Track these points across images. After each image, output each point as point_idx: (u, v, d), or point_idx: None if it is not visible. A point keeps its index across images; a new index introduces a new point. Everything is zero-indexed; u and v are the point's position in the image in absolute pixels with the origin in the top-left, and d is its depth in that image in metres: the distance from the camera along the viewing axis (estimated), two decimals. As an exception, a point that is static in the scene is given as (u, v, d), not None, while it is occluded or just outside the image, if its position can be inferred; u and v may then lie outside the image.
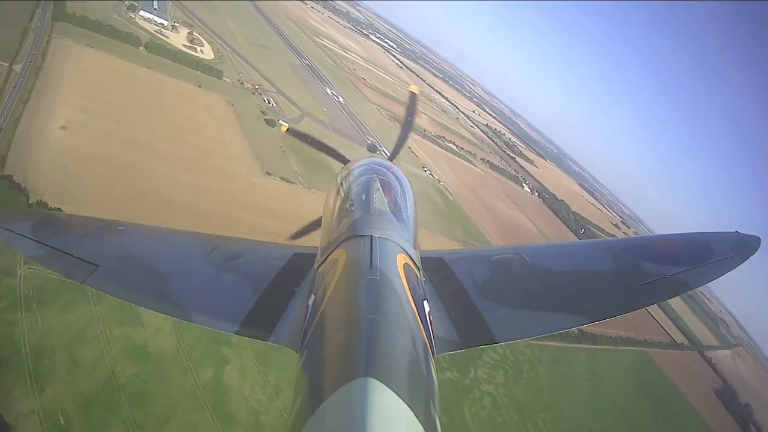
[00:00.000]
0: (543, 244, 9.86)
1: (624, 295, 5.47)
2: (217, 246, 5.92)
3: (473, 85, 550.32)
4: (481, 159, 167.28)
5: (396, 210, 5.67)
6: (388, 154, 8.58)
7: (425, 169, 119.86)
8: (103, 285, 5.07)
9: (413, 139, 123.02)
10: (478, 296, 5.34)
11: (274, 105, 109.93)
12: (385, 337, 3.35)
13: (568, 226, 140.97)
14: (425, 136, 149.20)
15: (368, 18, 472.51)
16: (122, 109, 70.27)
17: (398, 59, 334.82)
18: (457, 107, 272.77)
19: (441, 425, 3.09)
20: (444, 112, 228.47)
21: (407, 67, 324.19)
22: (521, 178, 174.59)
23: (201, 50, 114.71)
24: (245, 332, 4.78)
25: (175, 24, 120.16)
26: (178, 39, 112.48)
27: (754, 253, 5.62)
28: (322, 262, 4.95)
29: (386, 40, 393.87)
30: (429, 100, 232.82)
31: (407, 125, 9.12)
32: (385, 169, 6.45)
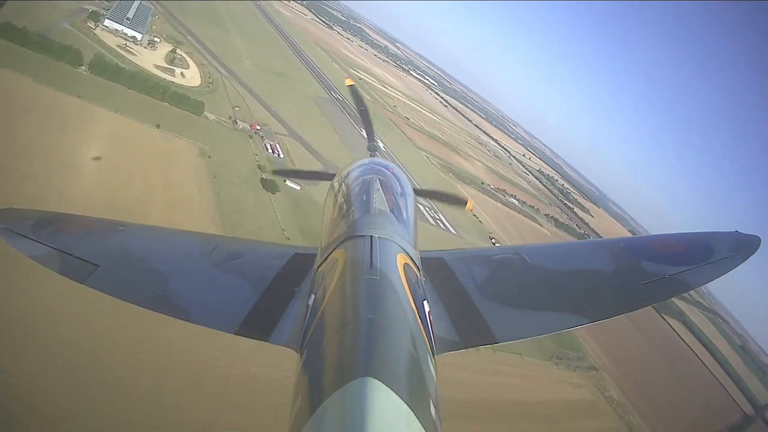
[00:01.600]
0: (543, 244, 10.48)
1: (624, 295, 5.45)
2: (217, 246, 5.88)
3: (514, 125, 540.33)
4: (545, 215, 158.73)
5: (396, 210, 5.57)
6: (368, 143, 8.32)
7: (493, 239, 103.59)
8: (103, 285, 4.98)
9: (474, 198, 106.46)
10: (478, 296, 5.25)
11: (281, 155, 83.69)
12: (385, 337, 3.34)
13: None
14: (484, 191, 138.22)
15: (407, 54, 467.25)
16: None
17: (442, 97, 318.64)
18: (507, 151, 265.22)
19: (441, 425, 3.07)
20: (497, 157, 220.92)
21: (452, 106, 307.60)
22: (585, 235, 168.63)
23: (182, 73, 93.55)
24: (245, 332, 4.66)
25: (155, 39, 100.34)
26: (150, 57, 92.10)
27: (754, 252, 5.56)
28: (322, 262, 4.86)
29: (426, 77, 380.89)
30: (480, 144, 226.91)
31: (364, 115, 9.12)
32: (385, 169, 6.32)
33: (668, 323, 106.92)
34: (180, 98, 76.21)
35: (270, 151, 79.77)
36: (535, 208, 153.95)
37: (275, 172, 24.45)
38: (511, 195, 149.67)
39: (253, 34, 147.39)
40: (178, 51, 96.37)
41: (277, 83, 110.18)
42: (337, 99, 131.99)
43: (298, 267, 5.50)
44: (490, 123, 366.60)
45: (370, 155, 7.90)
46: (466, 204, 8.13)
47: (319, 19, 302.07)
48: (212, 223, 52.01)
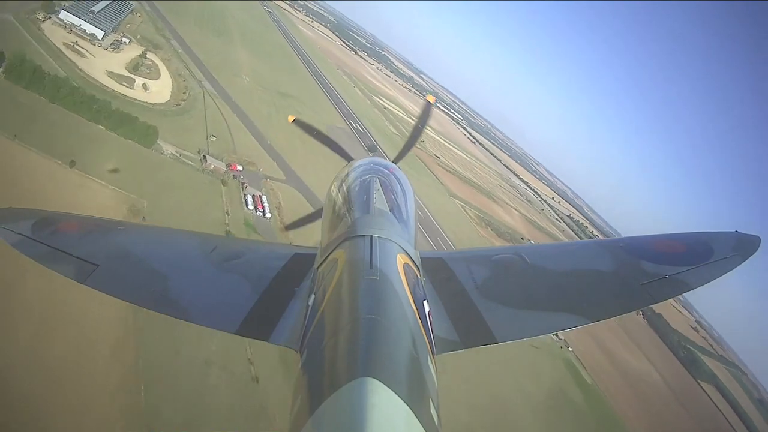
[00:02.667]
0: (543, 244, 15.78)
1: (624, 295, 5.41)
2: (217, 246, 5.88)
3: (537, 164, 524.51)
4: None
5: (396, 210, 5.65)
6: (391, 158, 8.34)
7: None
8: (103, 285, 4.99)
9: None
10: (478, 296, 5.26)
11: (267, 214, 57.66)
12: (385, 337, 3.35)
13: (682, 364, 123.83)
14: (515, 242, 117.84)
15: (432, 86, 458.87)
16: None
17: (469, 133, 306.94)
18: (538, 194, 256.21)
19: (441, 425, 3.09)
20: (529, 202, 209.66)
21: (479, 143, 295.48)
22: None
23: (144, 85, 71.37)
24: (245, 332, 4.67)
25: (123, 40, 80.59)
26: (106, 62, 71.13)
27: (754, 253, 5.57)
28: (322, 262, 4.90)
29: (452, 110, 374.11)
30: (511, 187, 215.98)
31: (416, 133, 9.17)
32: (385, 169, 6.40)
33: (703, 388, 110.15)
34: (123, 120, 55.33)
35: (252, 207, 56.39)
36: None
37: (296, 122, 10.85)
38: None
39: (262, 48, 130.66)
40: (148, 56, 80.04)
41: (280, 106, 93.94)
42: (357, 130, 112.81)
43: (298, 267, 5.48)
44: (516, 161, 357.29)
45: (370, 155, 8.05)
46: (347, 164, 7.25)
47: (343, 42, 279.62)
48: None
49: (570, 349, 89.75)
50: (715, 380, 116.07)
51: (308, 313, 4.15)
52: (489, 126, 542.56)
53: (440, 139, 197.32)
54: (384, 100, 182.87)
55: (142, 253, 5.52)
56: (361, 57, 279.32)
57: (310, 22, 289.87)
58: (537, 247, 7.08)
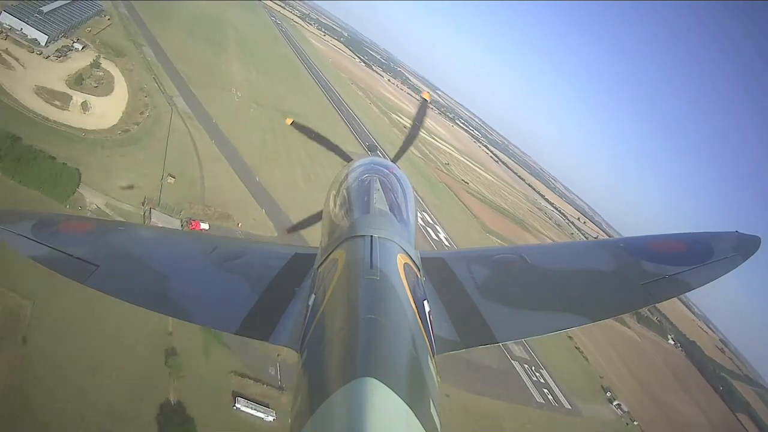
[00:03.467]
0: (543, 244, 14.55)
1: (624, 295, 5.54)
2: (217, 246, 5.99)
3: (554, 180, 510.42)
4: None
5: (396, 210, 5.72)
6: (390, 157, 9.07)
7: (610, 396, 79.53)
8: (104, 285, 5.07)
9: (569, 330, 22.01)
10: (478, 296, 5.31)
11: None
12: (385, 337, 3.38)
13: (721, 398, 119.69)
14: None
15: (447, 101, 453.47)
16: None
17: (490, 151, 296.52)
18: (564, 216, 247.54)
19: (441, 425, 3.16)
20: (558, 226, 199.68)
21: (502, 162, 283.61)
22: (658, 321, 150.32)
23: (84, 105, 56.92)
24: (245, 332, 4.80)
25: (75, 46, 69.81)
26: (40, 73, 58.03)
27: (754, 253, 5.65)
28: (322, 262, 5.03)
29: (470, 127, 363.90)
30: (539, 210, 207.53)
31: (414, 131, 9.46)
32: (385, 169, 6.53)
33: (740, 421, 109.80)
34: (24, 160, 38.36)
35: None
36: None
37: (294, 124, 10.17)
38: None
39: (263, 60, 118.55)
40: (103, 66, 68.64)
41: (279, 130, 78.22)
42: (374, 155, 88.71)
43: (298, 267, 5.57)
44: (536, 178, 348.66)
45: (370, 155, 8.52)
46: (347, 163, 7.44)
47: (357, 56, 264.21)
48: None
49: (635, 422, 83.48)
50: (749, 409, 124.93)
51: (308, 313, 4.20)
52: (506, 142, 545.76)
53: (465, 160, 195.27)
54: (403, 117, 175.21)
55: (142, 253, 5.61)
56: (375, 71, 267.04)
57: (321, 36, 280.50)
58: (537, 247, 7.21)
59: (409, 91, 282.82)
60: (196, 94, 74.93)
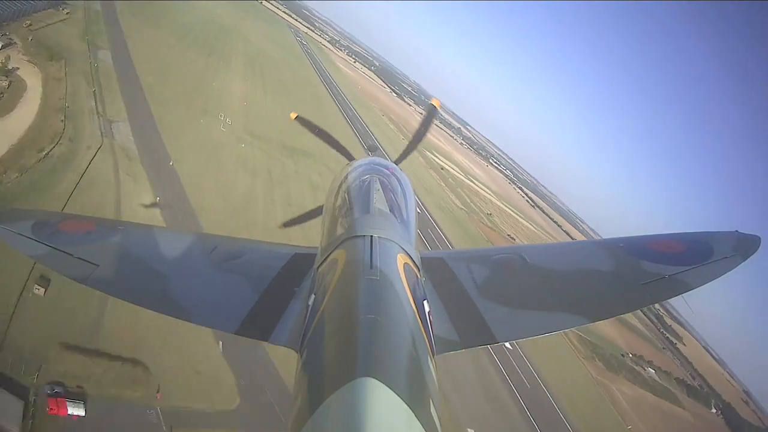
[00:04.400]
0: (543, 244, 19.63)
1: (624, 295, 5.56)
2: (217, 246, 6.07)
3: (582, 222, 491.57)
4: (675, 379, 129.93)
5: (396, 210, 5.83)
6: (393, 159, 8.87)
7: None
8: (103, 285, 5.14)
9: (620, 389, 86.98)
10: (478, 296, 5.42)
11: None
12: (385, 337, 3.40)
13: None
14: (622, 365, 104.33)
15: (477, 137, 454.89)
16: None
17: (526, 194, 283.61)
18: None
19: (441, 425, 3.19)
20: None
21: (537, 206, 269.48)
22: (704, 392, 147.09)
23: None
24: (245, 332, 4.87)
25: None
26: None
27: (754, 252, 5.72)
28: (322, 262, 5.08)
29: (502, 166, 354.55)
30: None
31: (419, 136, 9.45)
32: (385, 169, 6.66)
33: None
34: None
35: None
36: (668, 372, 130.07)
37: (298, 119, 10.67)
38: (648, 362, 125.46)
39: (275, 80, 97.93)
40: (18, 72, 48.83)
41: (279, 182, 38.95)
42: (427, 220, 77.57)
43: (298, 267, 5.70)
44: (568, 222, 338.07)
45: (370, 155, 8.49)
46: (347, 164, 7.67)
47: (389, 86, 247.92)
48: None
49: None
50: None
51: (308, 313, 4.24)
52: (535, 181, 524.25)
53: (505, 207, 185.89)
54: (439, 157, 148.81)
55: (142, 253, 5.66)
56: (407, 103, 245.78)
57: (352, 62, 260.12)
58: (537, 247, 7.18)
59: (443, 126, 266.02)
60: (156, 119, 51.97)
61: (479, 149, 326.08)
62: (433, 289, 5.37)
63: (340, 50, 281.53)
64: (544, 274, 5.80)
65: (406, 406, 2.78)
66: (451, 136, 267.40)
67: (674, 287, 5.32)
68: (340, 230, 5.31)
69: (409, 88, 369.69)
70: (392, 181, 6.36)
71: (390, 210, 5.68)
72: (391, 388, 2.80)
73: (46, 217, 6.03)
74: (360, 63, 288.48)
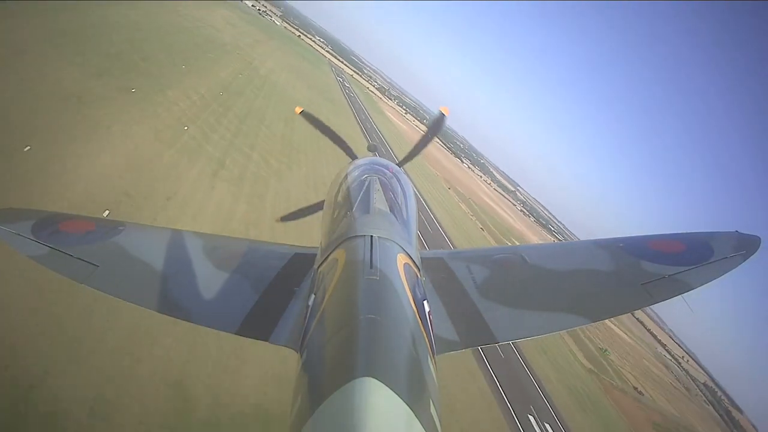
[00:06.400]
0: (542, 243, 9.57)
1: (624, 295, 5.48)
2: (217, 246, 6.16)
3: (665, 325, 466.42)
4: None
5: (396, 210, 5.81)
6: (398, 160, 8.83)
7: None
8: (103, 285, 5.10)
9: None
10: (478, 296, 5.43)
11: None
12: (385, 337, 3.36)
13: None
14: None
15: (531, 201, 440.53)
16: None
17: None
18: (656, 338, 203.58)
19: (441, 425, 3.18)
20: (687, 391, 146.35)
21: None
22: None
23: None
24: (245, 332, 4.84)
25: None
26: None
27: (754, 253, 5.64)
28: (322, 262, 5.06)
29: (553, 231, 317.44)
30: (664, 367, 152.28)
31: (425, 141, 9.30)
32: (385, 169, 6.68)
33: None
34: None
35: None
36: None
37: (303, 113, 10.02)
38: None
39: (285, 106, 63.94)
40: None
41: None
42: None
43: (298, 267, 5.70)
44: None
45: (370, 155, 8.41)
46: (346, 164, 7.67)
47: (445, 145, 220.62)
48: None
49: None
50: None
51: (308, 313, 4.22)
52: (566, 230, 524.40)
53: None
54: (515, 241, 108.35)
55: (142, 253, 5.67)
56: (466, 165, 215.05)
57: (402, 113, 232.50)
58: (537, 246, 6.49)
59: (498, 189, 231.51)
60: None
61: (540, 218, 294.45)
62: (433, 289, 5.41)
63: (390, 99, 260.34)
64: (544, 274, 5.80)
65: (406, 406, 2.74)
66: (512, 204, 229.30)
67: (674, 287, 5.29)
68: (340, 230, 5.20)
69: (461, 144, 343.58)
70: (392, 182, 6.39)
71: (390, 210, 5.68)
72: (391, 388, 2.76)
73: (46, 217, 5.97)
74: (411, 114, 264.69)
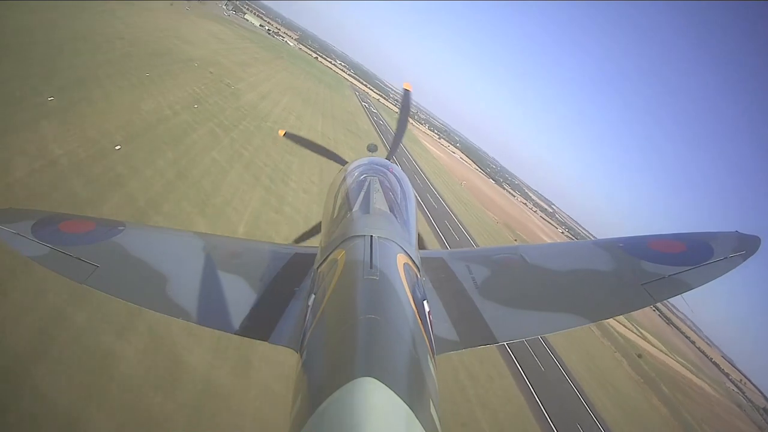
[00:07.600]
0: (542, 243, 10.03)
1: (624, 295, 5.47)
2: (217, 246, 6.09)
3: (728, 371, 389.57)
4: None
5: (396, 210, 5.84)
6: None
7: None
8: (103, 285, 5.11)
9: None
10: (478, 296, 5.41)
11: None
12: (385, 337, 3.37)
13: None
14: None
15: (566, 219, 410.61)
16: None
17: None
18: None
19: (441, 425, 3.17)
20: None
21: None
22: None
23: None
24: (245, 332, 4.86)
25: None
26: None
27: (754, 253, 5.65)
28: (322, 262, 5.06)
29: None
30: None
31: (402, 124, 9.46)
32: (384, 169, 6.75)
33: None
34: None
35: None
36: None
37: (286, 135, 10.82)
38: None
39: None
40: None
41: None
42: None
43: (298, 267, 5.66)
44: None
45: (370, 155, 8.37)
46: (345, 164, 7.82)
47: (481, 169, 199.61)
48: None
49: None
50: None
51: (308, 313, 4.23)
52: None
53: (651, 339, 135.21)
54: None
55: (142, 253, 5.66)
56: (507, 190, 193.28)
57: (436, 138, 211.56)
58: (537, 246, 6.41)
59: (551, 222, 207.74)
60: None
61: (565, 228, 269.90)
62: (433, 289, 5.44)
63: (422, 124, 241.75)
64: (544, 273, 5.80)
65: (406, 406, 2.71)
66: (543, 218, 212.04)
67: (674, 287, 5.28)
68: (339, 230, 5.25)
69: (495, 167, 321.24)
70: (392, 181, 6.47)
71: (390, 210, 5.74)
72: (390, 388, 2.74)
73: (46, 217, 5.95)
74: (444, 139, 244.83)
